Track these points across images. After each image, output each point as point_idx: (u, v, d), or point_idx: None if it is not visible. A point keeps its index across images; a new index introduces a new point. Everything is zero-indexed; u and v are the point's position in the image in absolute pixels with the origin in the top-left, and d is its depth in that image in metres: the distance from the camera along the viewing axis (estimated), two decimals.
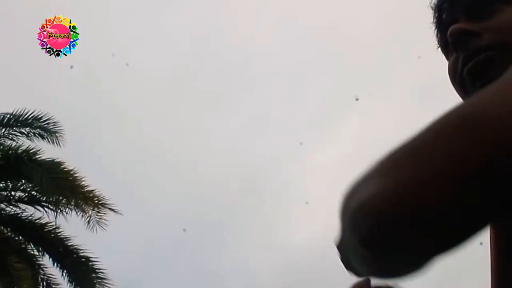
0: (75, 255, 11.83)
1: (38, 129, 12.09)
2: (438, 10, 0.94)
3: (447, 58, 0.93)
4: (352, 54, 20.38)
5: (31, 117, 12.11)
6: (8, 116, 11.99)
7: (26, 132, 12.08)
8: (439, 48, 0.96)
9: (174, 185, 17.89)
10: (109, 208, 11.51)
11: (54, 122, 12.13)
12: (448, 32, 0.85)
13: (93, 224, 11.50)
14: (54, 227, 11.75)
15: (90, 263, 11.89)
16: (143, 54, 19.75)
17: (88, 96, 17.69)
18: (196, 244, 17.74)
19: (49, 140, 12.04)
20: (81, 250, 11.78)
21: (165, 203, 17.14)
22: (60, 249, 11.61)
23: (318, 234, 19.31)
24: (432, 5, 0.95)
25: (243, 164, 19.47)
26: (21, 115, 12.09)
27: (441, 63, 0.90)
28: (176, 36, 20.26)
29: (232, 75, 20.94)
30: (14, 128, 12.09)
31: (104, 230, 11.45)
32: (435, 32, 0.96)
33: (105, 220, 11.61)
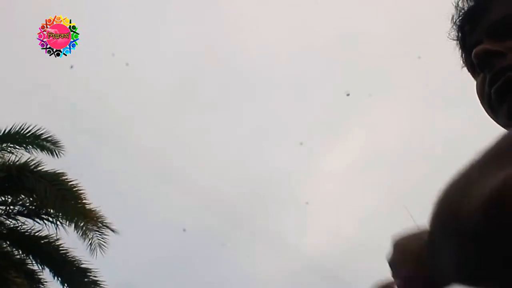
0: (74, 268, 11.65)
1: (37, 140, 11.94)
2: (461, 32, 0.94)
3: (474, 78, 0.94)
4: (356, 61, 20.26)
5: (30, 134, 11.96)
6: (7, 130, 11.85)
7: (25, 145, 11.93)
8: (465, 68, 0.97)
9: (181, 195, 17.68)
10: (108, 228, 11.38)
11: (52, 138, 12.00)
12: (473, 54, 0.86)
13: (95, 246, 11.38)
14: (54, 239, 11.57)
15: (90, 275, 11.72)
16: (145, 60, 19.51)
17: (88, 97, 17.45)
18: (203, 254, 17.56)
19: (48, 151, 11.89)
20: (80, 261, 11.63)
21: (171, 213, 16.94)
22: (60, 262, 11.41)
23: (327, 243, 19.19)
24: (454, 25, 0.95)
25: (251, 174, 19.31)
26: (21, 129, 11.95)
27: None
28: (179, 44, 20.00)
29: (236, 83, 20.75)
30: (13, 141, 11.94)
31: (105, 249, 11.30)
32: (460, 52, 0.97)
33: (106, 240, 11.44)
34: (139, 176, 17.28)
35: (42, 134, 12.01)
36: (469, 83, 0.95)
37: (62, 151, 12.08)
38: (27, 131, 11.94)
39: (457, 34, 0.95)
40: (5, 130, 11.86)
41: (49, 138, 12.02)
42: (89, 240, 11.21)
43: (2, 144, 11.86)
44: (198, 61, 20.78)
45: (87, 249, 11.48)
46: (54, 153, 12.01)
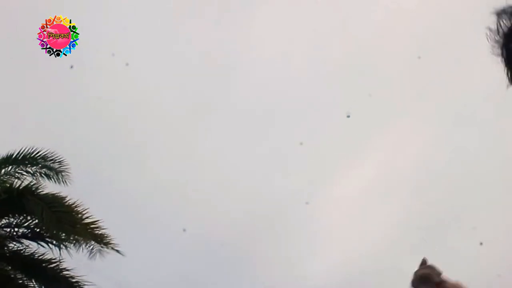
0: None
1: (44, 169, 12.01)
2: (506, 50, 0.94)
3: None
4: (376, 79, 19.64)
5: (38, 156, 12.05)
6: (14, 154, 11.97)
7: (32, 172, 12.02)
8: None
9: (191, 217, 17.50)
10: (112, 248, 11.29)
11: (60, 161, 12.09)
12: None
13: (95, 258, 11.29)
14: (57, 263, 11.52)
15: None
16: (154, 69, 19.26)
17: (89, 99, 17.43)
18: (216, 277, 17.30)
19: (55, 180, 11.95)
20: (84, 284, 11.53)
21: (183, 235, 16.74)
22: (63, 285, 11.37)
23: (338, 267, 18.67)
24: (497, 43, 0.95)
25: (263, 199, 18.93)
26: (28, 153, 12.06)
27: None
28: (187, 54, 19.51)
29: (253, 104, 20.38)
30: (21, 166, 12.03)
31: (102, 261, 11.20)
32: (506, 70, 0.99)
33: (106, 251, 11.36)
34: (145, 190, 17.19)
35: (49, 156, 12.09)
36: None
37: (68, 174, 12.14)
38: (34, 153, 12.05)
39: (501, 52, 0.93)
40: (11, 155, 11.97)
41: (56, 159, 12.05)
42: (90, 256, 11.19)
43: (8, 168, 11.96)
44: (212, 75, 20.31)
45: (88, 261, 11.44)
46: (60, 175, 12.07)
